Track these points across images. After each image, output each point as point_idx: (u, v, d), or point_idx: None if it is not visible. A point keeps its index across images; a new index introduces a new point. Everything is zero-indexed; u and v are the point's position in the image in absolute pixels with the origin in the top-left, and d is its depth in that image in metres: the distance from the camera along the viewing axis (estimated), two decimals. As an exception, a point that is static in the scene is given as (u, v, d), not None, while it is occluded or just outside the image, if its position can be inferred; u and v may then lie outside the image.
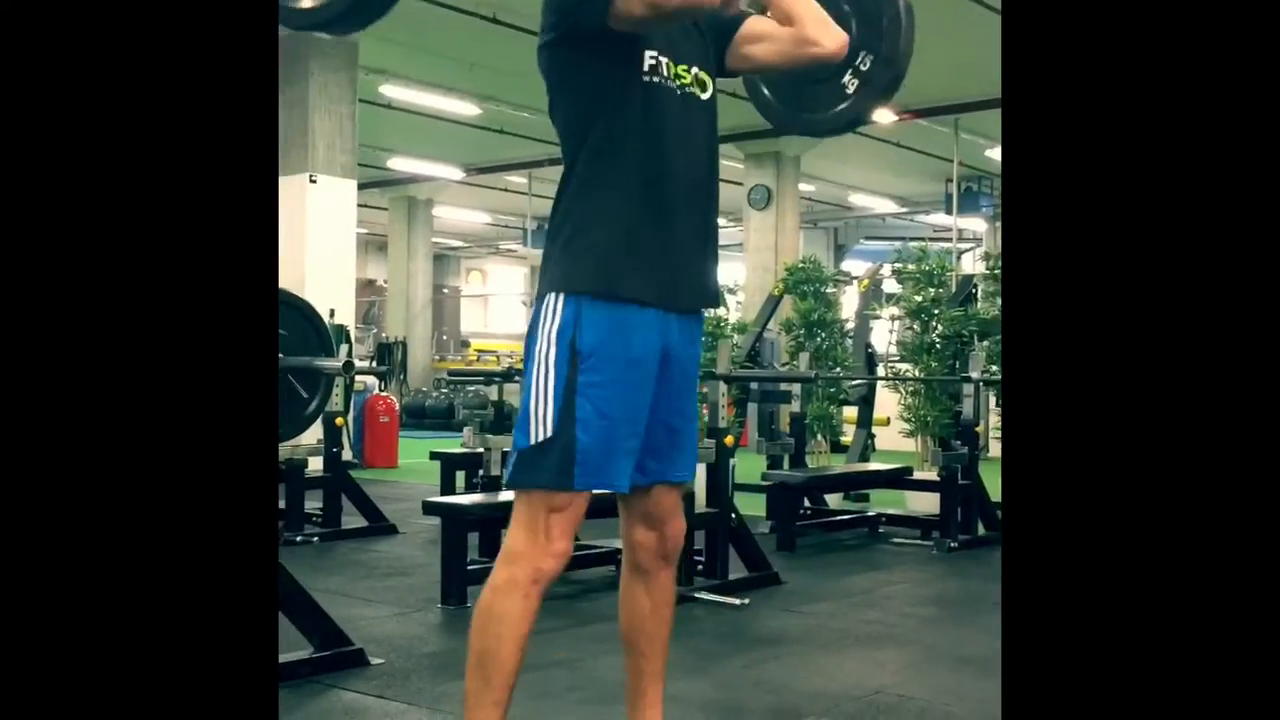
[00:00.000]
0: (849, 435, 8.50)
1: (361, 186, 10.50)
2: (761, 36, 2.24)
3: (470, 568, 4.39)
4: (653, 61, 2.10)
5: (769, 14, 2.24)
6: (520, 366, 2.38)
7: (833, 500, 7.01)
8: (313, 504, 6.11)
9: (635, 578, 2.28)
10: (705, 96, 2.20)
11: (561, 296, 2.06)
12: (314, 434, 6.61)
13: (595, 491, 2.11)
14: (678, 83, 2.14)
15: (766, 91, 2.73)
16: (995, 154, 13.48)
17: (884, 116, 12.17)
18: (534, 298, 2.16)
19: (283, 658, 3.21)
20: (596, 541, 4.75)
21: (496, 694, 2.08)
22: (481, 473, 6.07)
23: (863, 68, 2.49)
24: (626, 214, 2.07)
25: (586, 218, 2.08)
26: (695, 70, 2.18)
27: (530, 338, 2.09)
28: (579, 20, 2.04)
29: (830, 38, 2.19)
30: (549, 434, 2.03)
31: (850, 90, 2.52)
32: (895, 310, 9.38)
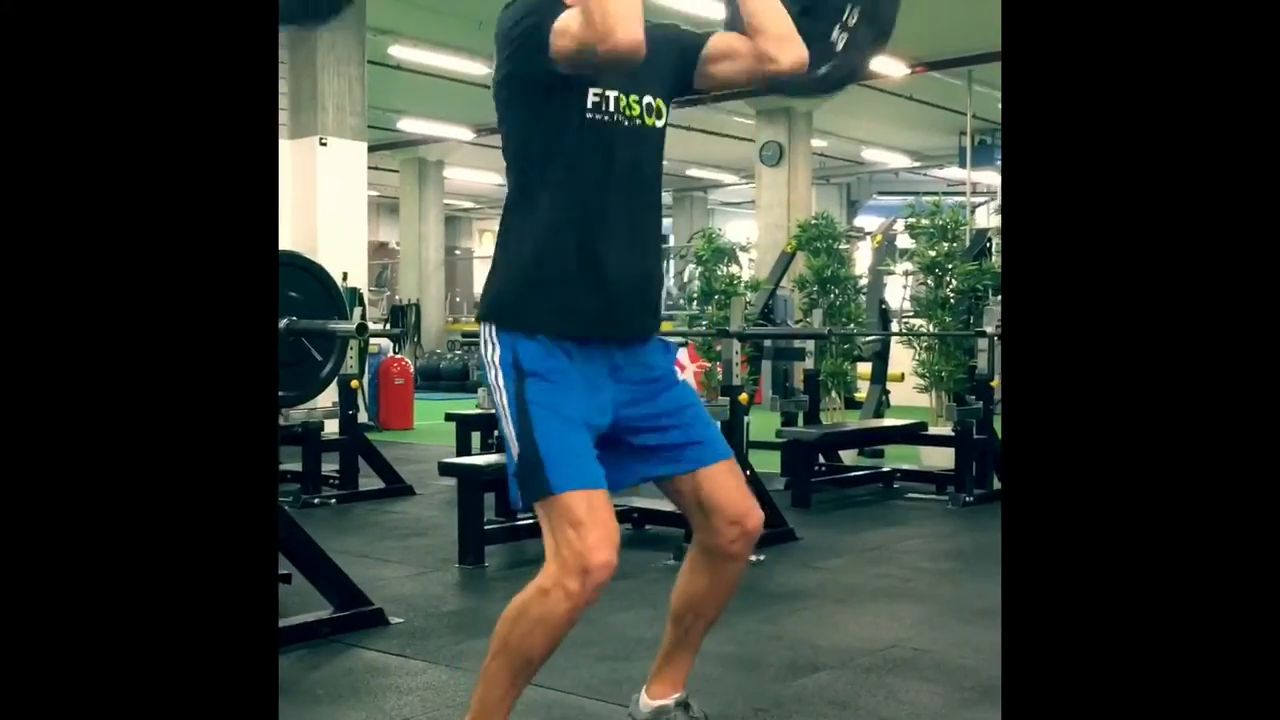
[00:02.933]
0: (863, 391, 8.50)
1: (372, 149, 10.46)
2: (725, 54, 2.20)
3: (487, 527, 4.42)
4: (596, 99, 2.07)
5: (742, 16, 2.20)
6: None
7: (847, 456, 7.02)
8: (330, 466, 6.15)
9: (702, 558, 2.24)
10: (659, 125, 2.18)
11: (494, 329, 2.10)
12: (330, 397, 6.63)
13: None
14: (628, 115, 2.11)
15: None
16: (1009, 106, 13.33)
17: (896, 70, 12.05)
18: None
19: (303, 618, 3.25)
20: (614, 501, 4.77)
21: (519, 683, 2.07)
22: (496, 433, 6.09)
23: (849, 22, 2.42)
24: (560, 260, 2.07)
25: (521, 257, 2.08)
26: (649, 99, 2.15)
27: (482, 363, 2.14)
28: (520, 67, 2.04)
29: (788, 54, 2.16)
30: (520, 449, 2.05)
31: (839, 47, 2.44)
32: (909, 265, 9.34)
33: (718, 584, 2.23)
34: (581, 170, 2.08)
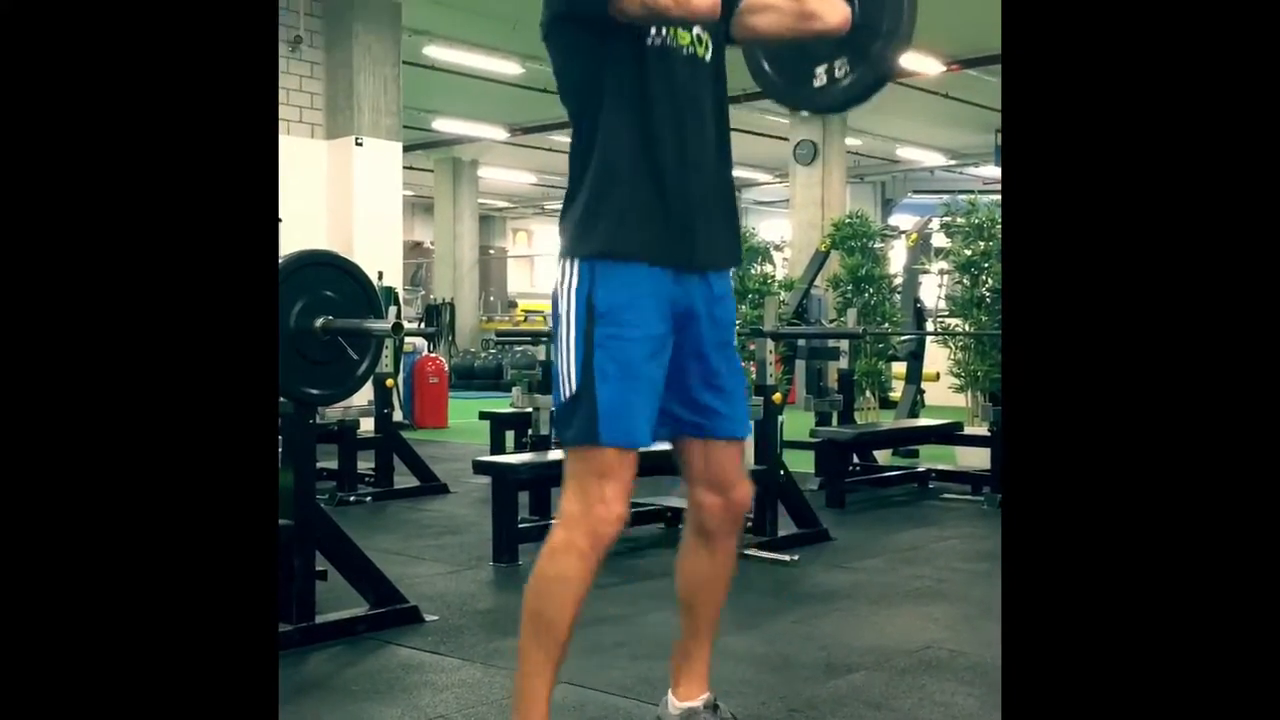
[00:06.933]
0: (898, 391, 8.46)
1: (407, 149, 10.52)
2: (764, 6, 2.19)
3: (521, 526, 4.43)
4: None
5: None
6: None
7: (882, 456, 6.99)
8: (365, 464, 6.19)
9: (698, 540, 2.28)
10: (708, 58, 2.17)
11: (576, 261, 2.08)
12: (365, 395, 6.66)
13: (645, 450, 2.12)
14: (679, 41, 2.12)
15: (766, 65, 2.57)
16: (1046, 104, 13.22)
17: (931, 67, 11.98)
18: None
19: (339, 615, 3.28)
20: (647, 499, 4.78)
21: (550, 653, 2.10)
22: (530, 432, 6.09)
23: (836, 73, 2.35)
24: (633, 177, 2.07)
25: (595, 183, 2.07)
26: (695, 30, 2.15)
27: (554, 298, 2.12)
28: (578, 7, 2.05)
29: (833, 12, 2.15)
30: (574, 390, 2.06)
31: (816, 83, 2.39)
32: (944, 264, 9.29)
33: (717, 563, 2.27)
34: (651, 89, 2.08)
